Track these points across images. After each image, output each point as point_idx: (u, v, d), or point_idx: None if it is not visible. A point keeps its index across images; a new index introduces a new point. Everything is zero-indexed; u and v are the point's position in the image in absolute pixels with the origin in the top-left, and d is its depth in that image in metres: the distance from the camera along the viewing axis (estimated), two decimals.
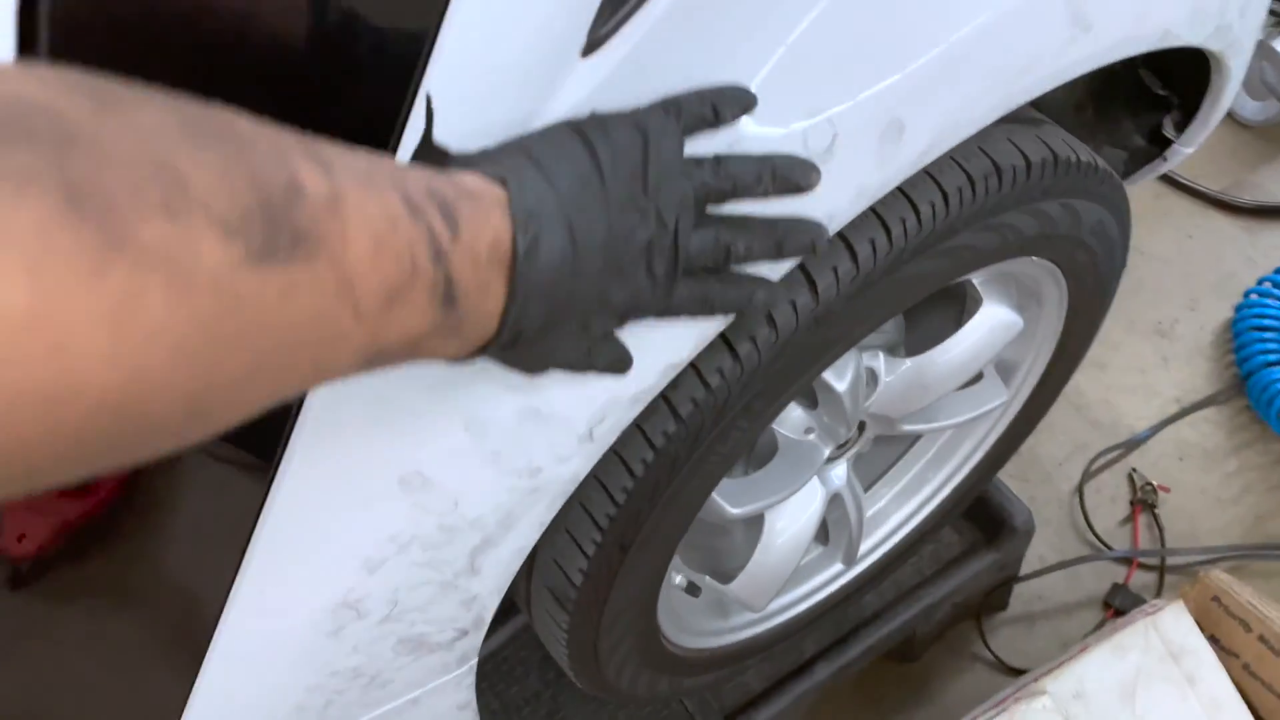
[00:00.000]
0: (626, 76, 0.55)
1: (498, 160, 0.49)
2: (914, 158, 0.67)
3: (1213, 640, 1.37)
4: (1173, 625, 1.33)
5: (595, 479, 0.83)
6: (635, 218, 0.51)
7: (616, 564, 0.90)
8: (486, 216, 0.45)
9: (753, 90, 0.59)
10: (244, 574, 0.67)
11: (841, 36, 0.61)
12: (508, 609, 1.00)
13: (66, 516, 0.66)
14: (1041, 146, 0.88)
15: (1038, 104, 0.84)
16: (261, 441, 0.62)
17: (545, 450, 0.69)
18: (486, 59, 0.52)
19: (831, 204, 0.66)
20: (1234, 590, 1.39)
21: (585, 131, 0.51)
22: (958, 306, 1.14)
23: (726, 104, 0.56)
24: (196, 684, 0.72)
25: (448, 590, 0.74)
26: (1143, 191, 1.84)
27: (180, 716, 0.74)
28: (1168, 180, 2.11)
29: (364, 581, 0.70)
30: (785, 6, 0.59)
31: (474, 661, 0.88)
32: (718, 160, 0.55)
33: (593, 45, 0.54)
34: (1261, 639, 1.35)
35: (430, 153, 0.50)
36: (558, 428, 0.68)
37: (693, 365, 0.78)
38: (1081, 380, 1.89)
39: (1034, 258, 1.00)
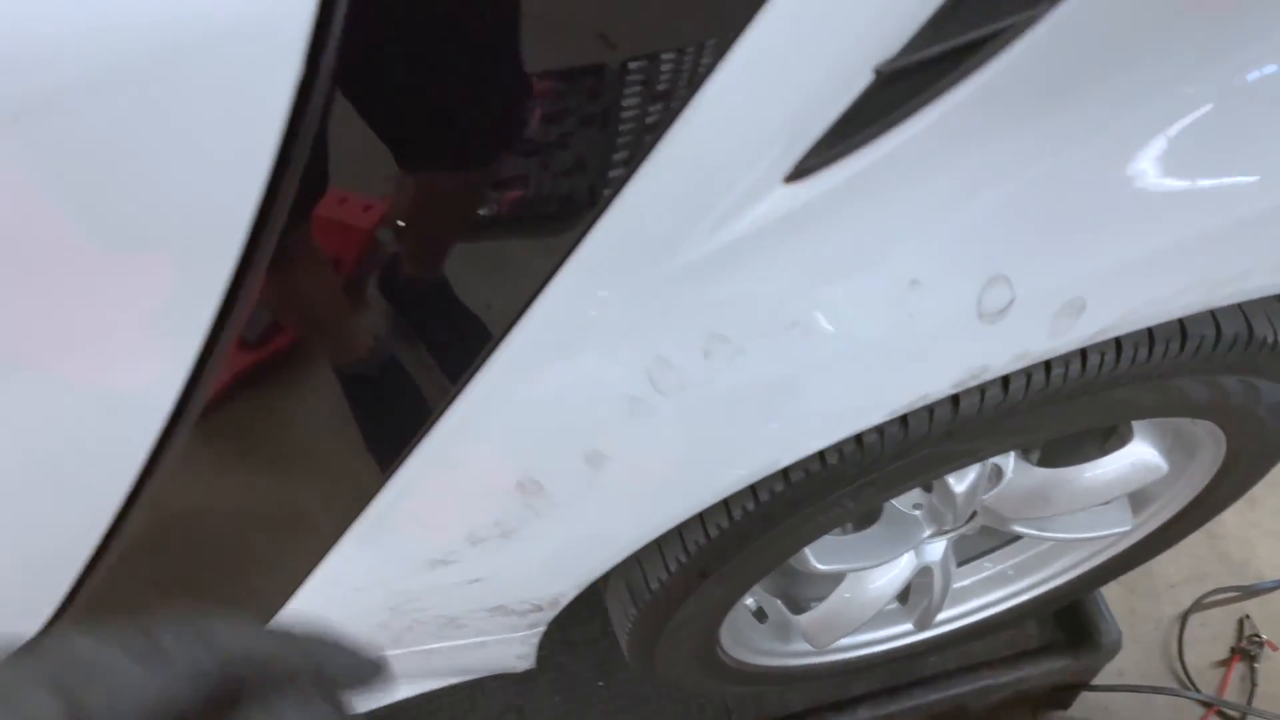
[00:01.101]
0: (824, 212, 0.57)
1: None
2: (1090, 335, 0.67)
3: None
4: None
5: None
6: None
7: (693, 586, 0.95)
8: None
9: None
10: (380, 499, 0.73)
11: (1046, 209, 0.61)
12: None
13: (238, 368, 0.73)
14: (1239, 319, 0.85)
15: None
16: (417, 409, 0.68)
17: (649, 488, 0.74)
18: (693, 159, 0.55)
19: (989, 357, 0.66)
20: None
21: None
22: (1109, 427, 1.11)
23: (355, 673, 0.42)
24: (315, 570, 0.80)
25: (533, 576, 0.81)
26: None
27: (294, 591, 0.83)
28: None
29: (464, 549, 0.77)
30: (1002, 178, 0.59)
31: (542, 629, 0.95)
32: None
33: (799, 173, 0.56)
34: None
35: None
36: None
37: None
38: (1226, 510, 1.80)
39: (1198, 419, 0.97)
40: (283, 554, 0.79)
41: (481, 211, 0.58)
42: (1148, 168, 0.61)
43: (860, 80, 0.52)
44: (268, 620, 0.84)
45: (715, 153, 0.55)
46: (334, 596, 0.82)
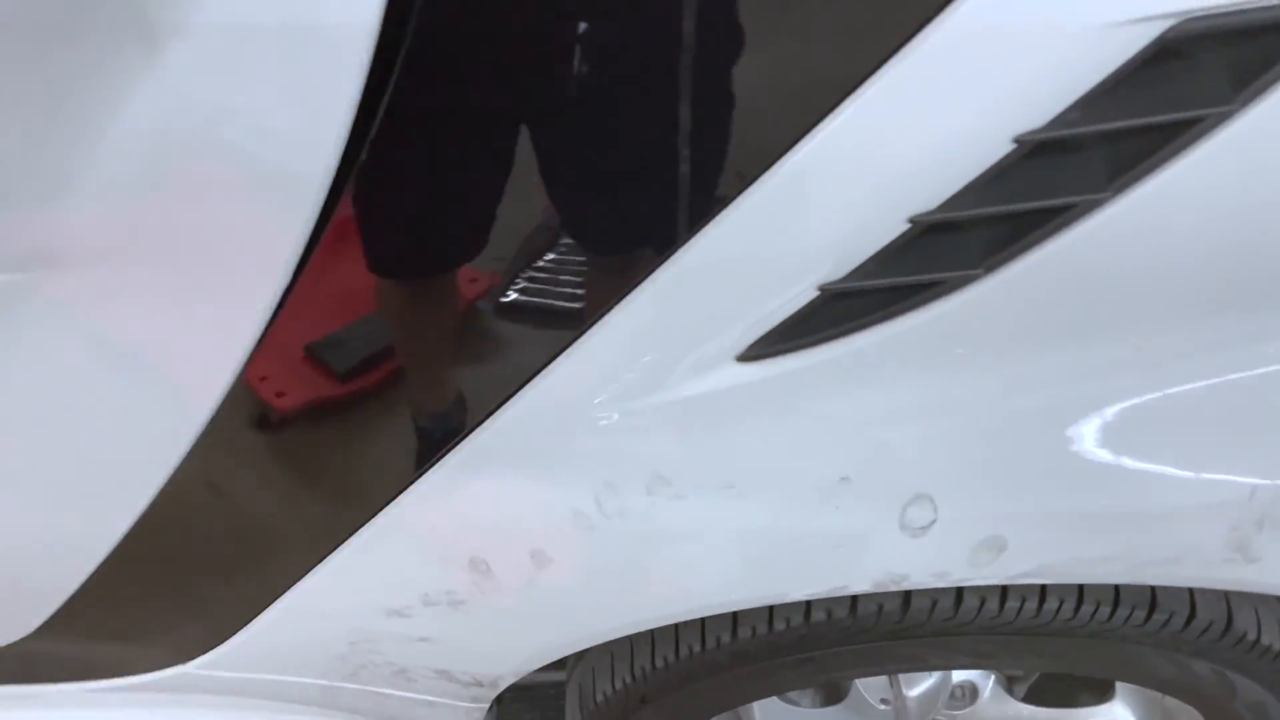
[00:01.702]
0: (769, 394, 0.64)
1: None
2: (1013, 574, 0.70)
3: None
4: None
5: (650, 632, 0.93)
6: None
7: (633, 710, 0.99)
8: None
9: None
10: (359, 535, 0.81)
11: (980, 444, 0.65)
12: None
13: (324, 394, 0.84)
14: (1220, 607, 0.84)
15: None
16: (414, 459, 0.76)
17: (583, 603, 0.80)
18: (664, 321, 0.63)
19: (909, 568, 0.70)
20: None
21: None
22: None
23: None
24: (291, 588, 0.89)
25: (474, 651, 0.88)
26: None
27: (271, 602, 0.92)
28: None
29: (417, 607, 0.85)
30: (941, 405, 0.65)
31: (485, 706, 1.01)
32: None
33: (750, 356, 0.63)
34: None
35: None
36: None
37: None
38: None
39: (1169, 697, 0.95)
40: (268, 564, 0.89)
41: (502, 300, 0.66)
42: (1087, 434, 0.65)
43: (806, 293, 0.59)
44: (245, 624, 0.94)
45: (681, 320, 0.63)
46: (302, 617, 0.91)
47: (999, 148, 0.53)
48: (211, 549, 0.90)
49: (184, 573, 0.93)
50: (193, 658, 1.02)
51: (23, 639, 0.98)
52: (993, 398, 0.64)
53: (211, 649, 1.00)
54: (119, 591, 0.94)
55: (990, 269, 0.57)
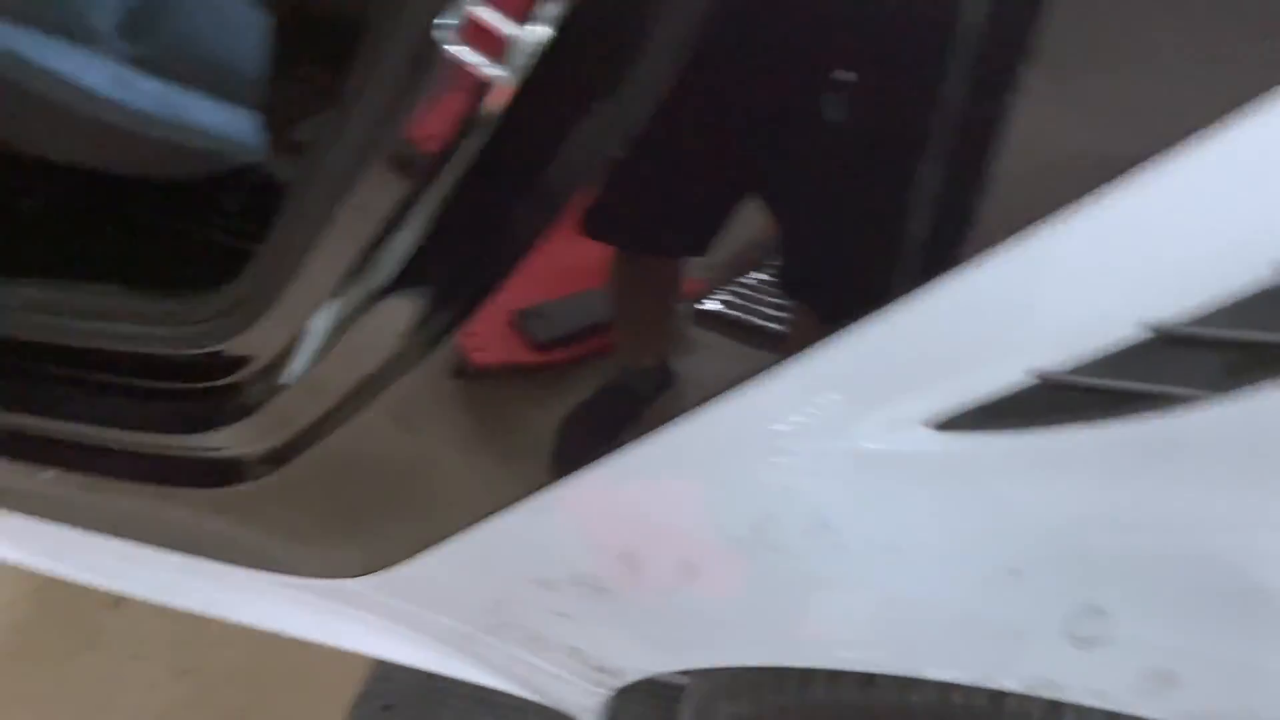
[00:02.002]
0: (950, 464, 0.62)
1: None
2: (1177, 712, 0.65)
3: None
4: None
5: (779, 669, 0.92)
6: None
7: None
8: None
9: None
10: (527, 503, 0.84)
11: (1171, 570, 0.61)
12: None
13: (517, 359, 0.88)
14: None
15: None
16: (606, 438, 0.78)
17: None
18: (855, 374, 0.62)
19: (1065, 678, 0.67)
20: None
21: None
22: None
23: None
24: (464, 533, 0.93)
25: (605, 638, 0.90)
26: None
27: (440, 541, 0.96)
28: None
29: (565, 583, 0.88)
30: (1138, 520, 0.61)
31: (606, 691, 1.03)
32: None
33: (945, 426, 0.62)
34: None
35: None
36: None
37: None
38: None
39: None
40: (443, 507, 0.94)
41: (716, 309, 0.67)
42: None
43: (1022, 377, 0.57)
44: (409, 556, 0.99)
45: (882, 373, 0.62)
46: (461, 564, 0.96)
47: (1271, 271, 0.49)
48: (400, 481, 0.96)
49: (372, 497, 1.00)
50: (357, 575, 1.09)
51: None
52: (1199, 525, 0.60)
53: (375, 571, 1.07)
54: (319, 499, 1.02)
55: (1229, 392, 0.53)
